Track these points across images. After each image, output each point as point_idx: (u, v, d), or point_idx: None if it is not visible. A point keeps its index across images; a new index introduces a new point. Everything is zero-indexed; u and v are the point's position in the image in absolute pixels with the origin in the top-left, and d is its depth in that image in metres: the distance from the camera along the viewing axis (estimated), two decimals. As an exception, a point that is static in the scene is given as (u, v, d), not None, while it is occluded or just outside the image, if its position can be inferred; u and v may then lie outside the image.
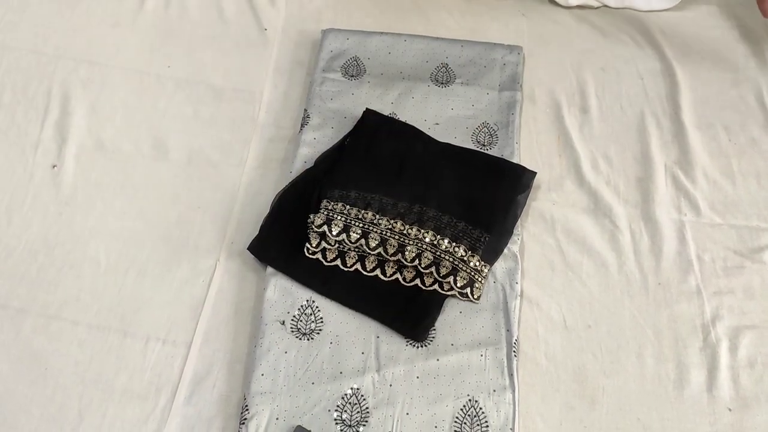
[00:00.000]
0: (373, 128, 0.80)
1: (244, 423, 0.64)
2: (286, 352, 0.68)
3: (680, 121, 0.86)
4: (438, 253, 0.71)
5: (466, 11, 0.96)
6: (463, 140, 0.82)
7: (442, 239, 0.72)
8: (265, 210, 0.76)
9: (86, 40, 0.92)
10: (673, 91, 0.89)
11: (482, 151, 0.81)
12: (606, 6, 0.96)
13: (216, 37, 0.93)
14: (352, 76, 0.86)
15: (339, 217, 0.73)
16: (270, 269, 0.72)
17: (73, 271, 0.74)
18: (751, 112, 0.87)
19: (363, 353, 0.68)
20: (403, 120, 0.82)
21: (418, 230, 0.72)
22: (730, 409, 0.67)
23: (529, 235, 0.77)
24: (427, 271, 0.71)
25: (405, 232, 0.72)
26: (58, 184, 0.80)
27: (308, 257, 0.72)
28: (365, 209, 0.74)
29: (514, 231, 0.75)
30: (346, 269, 0.72)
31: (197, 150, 0.83)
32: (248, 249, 0.74)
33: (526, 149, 0.83)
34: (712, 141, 0.84)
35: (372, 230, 0.73)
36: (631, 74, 0.90)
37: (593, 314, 0.72)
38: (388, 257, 0.72)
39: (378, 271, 0.72)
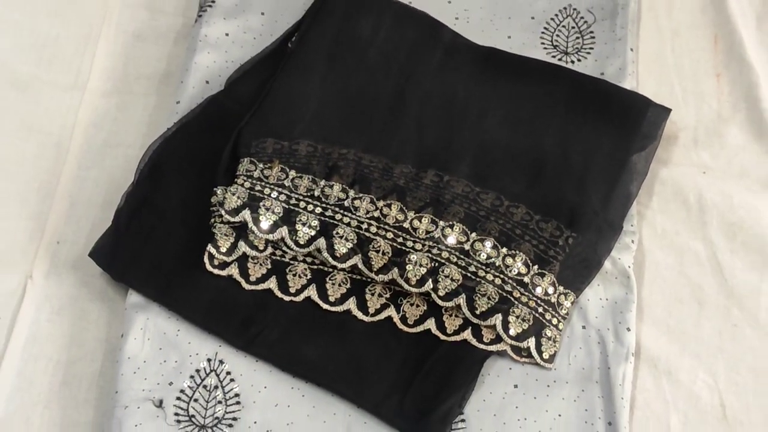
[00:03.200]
0: (344, 16, 0.77)
1: None
2: (164, 466, 0.66)
3: None
4: (472, 268, 0.67)
5: None
6: (527, 41, 0.80)
7: (482, 241, 0.68)
8: (122, 179, 0.73)
9: None
10: None
11: (562, 64, 0.79)
12: None
13: None
14: None
15: (274, 194, 0.69)
16: (134, 297, 0.69)
17: None
18: None
19: (319, 467, 0.67)
20: (405, 1, 0.81)
21: (433, 221, 0.68)
22: None
23: (655, 233, 0.75)
24: (449, 303, 0.67)
25: (405, 225, 0.69)
26: None
27: (212, 273, 0.68)
28: (327, 178, 0.70)
29: (626, 224, 0.72)
30: (286, 298, 0.69)
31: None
32: (90, 255, 0.70)
33: (649, 63, 0.81)
34: None
35: (341, 220, 0.69)
36: None
37: (776, 391, 0.72)
38: (372, 274, 0.68)
39: (351, 303, 0.68)
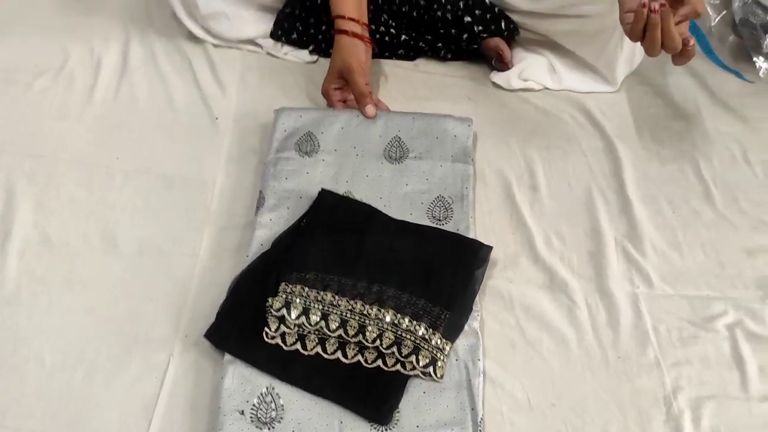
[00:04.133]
0: (329, 208, 0.83)
1: None
2: (246, 444, 0.67)
3: (626, 196, 0.93)
4: (399, 333, 0.73)
5: (412, 96, 1.04)
6: (419, 216, 0.85)
7: (403, 318, 0.74)
8: (220, 300, 0.77)
9: (32, 134, 0.95)
10: (616, 168, 0.96)
11: (438, 226, 0.84)
12: (547, 88, 1.06)
13: (166, 126, 0.97)
14: (306, 152, 0.90)
15: (298, 300, 0.75)
16: (228, 356, 0.73)
17: (15, 375, 0.73)
18: (690, 185, 0.95)
19: (326, 440, 0.67)
20: (359, 198, 0.86)
21: (379, 310, 0.74)
22: (698, 481, 0.68)
23: (488, 313, 0.80)
24: (389, 351, 0.73)
25: (365, 312, 0.74)
26: (0, 282, 0.80)
27: (267, 342, 0.73)
28: (324, 291, 0.75)
29: (474, 307, 0.78)
30: (306, 353, 0.73)
31: (148, 241, 0.85)
32: (205, 336, 0.74)
33: (480, 227, 0.87)
34: (657, 214, 0.91)
35: (332, 312, 0.74)
36: (575, 152, 0.98)
37: (556, 392, 0.75)
38: (349, 339, 0.73)
39: (339, 354, 0.74)
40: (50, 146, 0.93)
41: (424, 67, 1.09)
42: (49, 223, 0.86)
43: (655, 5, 0.74)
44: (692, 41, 0.77)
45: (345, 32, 0.95)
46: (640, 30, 0.76)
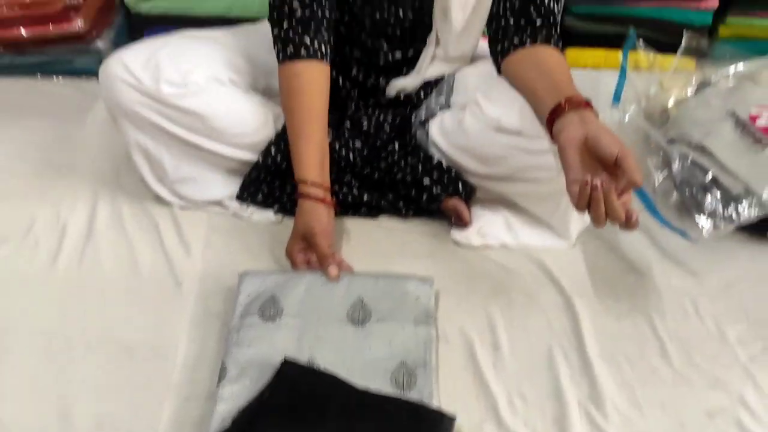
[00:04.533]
0: (292, 380, 0.83)
1: None
2: None
3: (585, 353, 0.94)
4: None
5: (375, 253, 1.07)
6: (383, 383, 0.86)
7: None
8: None
9: (-9, 305, 0.94)
10: (575, 324, 0.99)
11: (402, 393, 0.84)
12: (505, 245, 1.10)
13: (130, 293, 0.98)
14: (270, 317, 0.91)
15: None
16: None
17: None
18: (646, 340, 0.97)
19: None
20: (322, 365, 0.86)
21: None
22: None
23: None
24: None
25: None
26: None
27: None
28: None
29: None
30: None
31: (106, 417, 0.83)
32: None
33: (444, 390, 0.87)
34: (616, 372, 0.93)
35: None
36: (535, 309, 1.01)
37: None
38: None
39: None
40: (10, 317, 0.93)
41: (386, 224, 1.13)
42: (2, 403, 0.84)
43: (597, 182, 0.78)
44: (635, 215, 0.81)
45: (308, 196, 0.99)
46: (585, 204, 0.80)
